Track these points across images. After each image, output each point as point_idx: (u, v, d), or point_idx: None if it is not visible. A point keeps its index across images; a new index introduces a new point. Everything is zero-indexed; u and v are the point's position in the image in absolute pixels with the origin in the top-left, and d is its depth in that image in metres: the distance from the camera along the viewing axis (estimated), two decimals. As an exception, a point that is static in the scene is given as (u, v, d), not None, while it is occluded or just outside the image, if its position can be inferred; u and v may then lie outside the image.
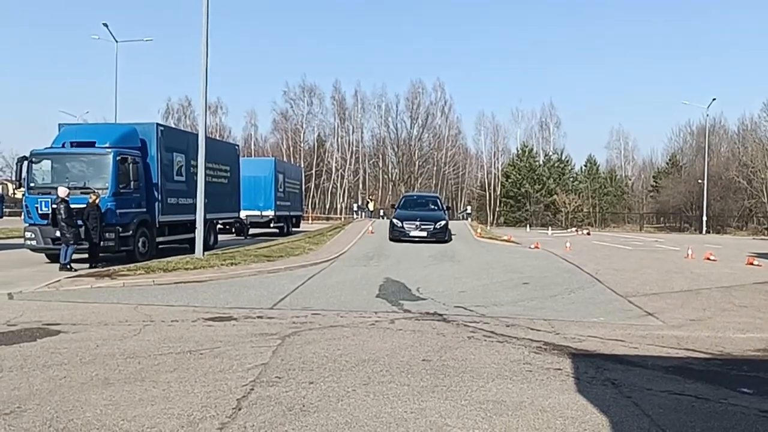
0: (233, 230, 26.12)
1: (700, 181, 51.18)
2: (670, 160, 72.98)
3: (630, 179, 78.38)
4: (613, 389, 5.20)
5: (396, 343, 6.81)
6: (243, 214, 24.15)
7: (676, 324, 8.45)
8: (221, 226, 22.65)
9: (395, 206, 23.85)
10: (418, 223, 21.17)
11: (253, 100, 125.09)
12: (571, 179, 70.06)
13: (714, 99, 51.55)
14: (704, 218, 48.44)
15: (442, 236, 21.30)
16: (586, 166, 73.68)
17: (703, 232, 46.97)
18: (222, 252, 16.63)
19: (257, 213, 27.03)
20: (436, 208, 23.84)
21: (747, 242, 33.69)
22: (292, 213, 31.15)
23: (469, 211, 44.26)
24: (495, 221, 66.48)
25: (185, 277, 11.97)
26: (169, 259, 14.56)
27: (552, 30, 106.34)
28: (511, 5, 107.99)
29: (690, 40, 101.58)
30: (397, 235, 20.93)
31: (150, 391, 4.90)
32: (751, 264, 17.22)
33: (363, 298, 10.24)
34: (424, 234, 20.80)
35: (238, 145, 23.95)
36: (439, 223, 21.36)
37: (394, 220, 21.67)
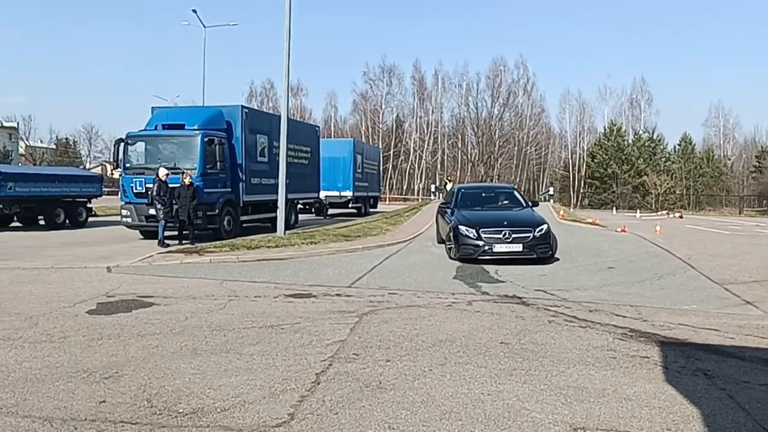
0: (313, 210, 26.71)
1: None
2: (775, 138, 67.57)
3: (729, 159, 73.21)
4: (706, 380, 4.90)
5: (473, 324, 6.74)
6: (322, 194, 24.62)
7: (777, 313, 7.84)
8: (301, 206, 23.20)
9: (448, 205, 14.92)
10: (506, 231, 12.25)
11: (333, 81, 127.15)
12: (663, 159, 66.29)
13: (826, 70, 47.18)
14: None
15: (545, 250, 12.57)
16: (680, 145, 69.39)
17: (810, 215, 43.46)
18: (302, 231, 17.06)
19: (336, 193, 27.49)
20: (517, 204, 15.05)
21: None
22: (369, 194, 31.44)
23: (551, 192, 43.13)
24: (579, 203, 64.27)
25: (267, 254, 12.40)
26: (252, 237, 15.10)
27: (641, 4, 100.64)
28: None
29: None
30: (470, 253, 12.15)
31: (234, 363, 5.12)
32: None
33: (440, 279, 10.19)
34: (518, 248, 12.14)
35: (318, 127, 24.39)
36: (539, 229, 12.63)
37: (461, 228, 12.49)
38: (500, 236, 12.08)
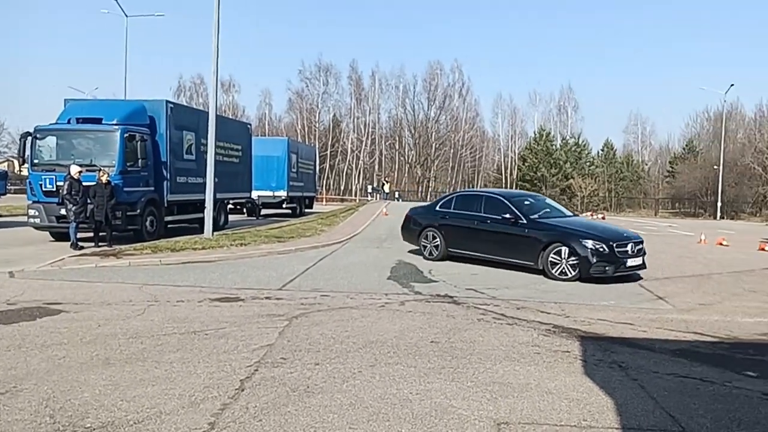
0: (245, 210, 26.18)
1: (715, 167, 50.46)
2: (686, 145, 72.12)
3: (647, 164, 77.57)
4: (620, 372, 5.18)
5: (405, 324, 6.79)
6: (255, 194, 24.15)
7: (685, 308, 8.41)
8: (232, 207, 22.68)
9: (519, 211, 11.76)
10: (631, 244, 10.95)
11: (267, 78, 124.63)
12: (588, 163, 69.39)
13: (732, 85, 50.51)
14: (719, 204, 47.84)
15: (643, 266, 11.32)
16: (603, 150, 72.83)
17: (718, 217, 46.44)
18: (232, 232, 16.67)
19: (269, 193, 27.03)
20: (564, 212, 13.21)
21: (760, 228, 33.27)
22: (305, 194, 31.13)
23: (483, 193, 43.93)
24: (510, 204, 65.82)
25: (193, 257, 12.02)
26: (177, 238, 14.61)
27: (570, 12, 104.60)
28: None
29: (709, 25, 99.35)
30: (602, 271, 10.51)
31: (152, 372, 4.92)
32: (763, 250, 17.13)
33: (374, 280, 10.21)
34: (640, 261, 11.11)
35: (250, 124, 23.94)
36: (640, 245, 11.26)
37: (593, 243, 10.59)
38: (628, 250, 10.84)
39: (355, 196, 66.63)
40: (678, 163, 67.15)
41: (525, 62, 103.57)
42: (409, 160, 75.32)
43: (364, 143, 74.64)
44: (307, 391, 4.49)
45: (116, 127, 14.36)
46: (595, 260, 10.47)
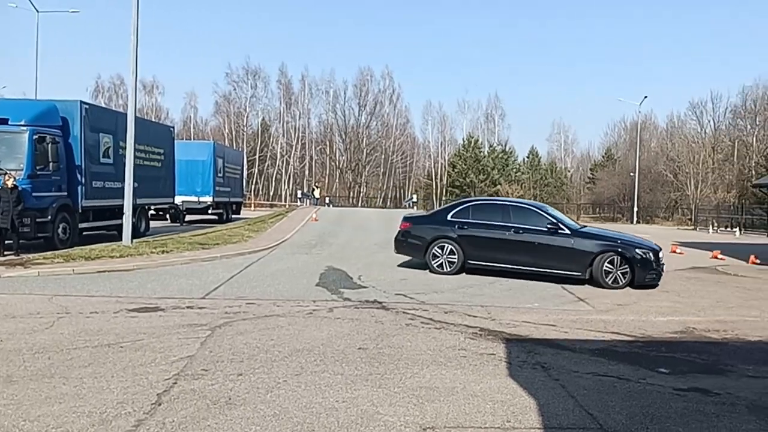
0: (168, 217, 25.29)
1: (632, 174, 53.28)
2: (605, 153, 75.90)
3: (569, 171, 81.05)
4: (543, 372, 5.30)
5: (333, 331, 6.70)
6: (178, 199, 23.31)
7: (604, 309, 8.76)
8: (154, 213, 21.87)
9: (559, 221, 11.75)
10: (660, 253, 11.39)
11: (193, 81, 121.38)
12: (514, 170, 71.83)
13: (646, 97, 53.70)
14: (635, 209, 50.66)
15: None
16: (528, 157, 75.67)
17: (634, 222, 49.03)
18: (153, 239, 16.01)
19: (194, 199, 26.23)
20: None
21: (672, 232, 35.35)
22: (232, 199, 30.42)
23: (414, 199, 44.52)
24: (440, 209, 66.97)
25: (110, 265, 11.43)
26: (93, 246, 13.83)
27: (496, 22, 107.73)
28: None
29: (626, 39, 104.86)
30: (654, 278, 11.08)
31: (59, 389, 4.59)
32: (675, 252, 18.27)
33: (302, 286, 10.04)
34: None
35: (173, 127, 23.14)
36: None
37: (645, 252, 11.05)
38: (661, 258, 11.25)
39: (285, 201, 65.87)
40: (598, 170, 70.67)
41: (454, 70, 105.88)
42: (340, 166, 75.23)
43: (294, 148, 73.97)
44: (229, 403, 4.32)
45: (24, 128, 13.47)
46: (648, 268, 10.87)
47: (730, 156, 61.05)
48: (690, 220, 48.76)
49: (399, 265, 13.04)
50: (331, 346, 6.02)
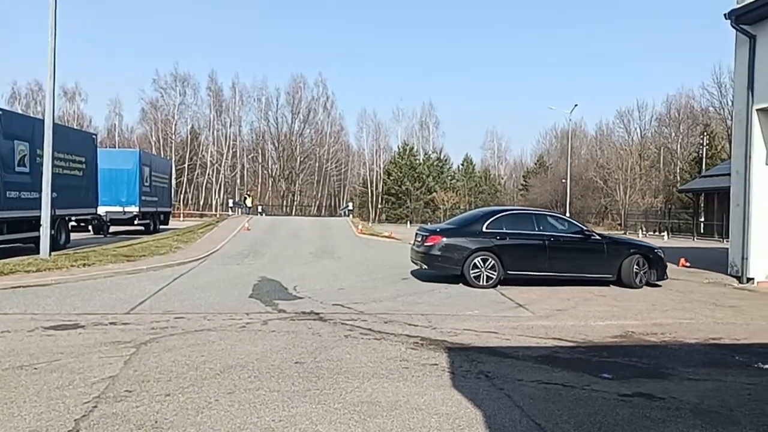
0: (90, 228, 24.04)
1: (563, 180, 55.14)
2: (537, 160, 78.34)
3: (503, 178, 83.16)
4: (487, 382, 5.17)
5: (267, 345, 6.37)
6: (102, 210, 22.14)
7: (544, 314, 8.76)
8: (75, 224, 20.70)
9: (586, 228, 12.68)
10: None
11: (117, 87, 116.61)
12: (449, 177, 72.99)
13: (576, 105, 55.77)
14: (567, 215, 52.23)
15: None
16: (463, 165, 77.11)
17: (567, 227, 50.72)
18: (74, 252, 15.05)
19: (119, 209, 25.05)
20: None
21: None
22: (159, 209, 29.27)
23: (350, 207, 44.27)
24: (377, 218, 67.35)
25: (25, 280, 10.58)
26: (7, 261, 12.83)
27: (430, 31, 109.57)
28: (388, 5, 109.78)
29: (557, 49, 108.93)
30: (665, 275, 12.50)
31: (-41, 420, 4.10)
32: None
33: (234, 298, 9.62)
34: None
35: (95, 134, 21.98)
36: None
37: (660, 253, 12.43)
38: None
39: (216, 211, 64.27)
40: (531, 177, 72.84)
41: (388, 78, 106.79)
42: (273, 174, 74.20)
43: (224, 156, 72.42)
44: (156, 427, 3.97)
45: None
46: (663, 267, 12.31)
47: (656, 162, 64.49)
48: (620, 224, 50.93)
49: (336, 275, 12.79)
50: (266, 361, 5.70)
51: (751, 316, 9.16)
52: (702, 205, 42.34)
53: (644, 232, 40.70)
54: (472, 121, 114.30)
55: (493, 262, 11.41)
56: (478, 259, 11.40)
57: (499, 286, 11.37)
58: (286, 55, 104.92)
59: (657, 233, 41.32)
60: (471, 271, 11.37)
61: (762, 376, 5.70)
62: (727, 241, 17.58)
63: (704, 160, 54.41)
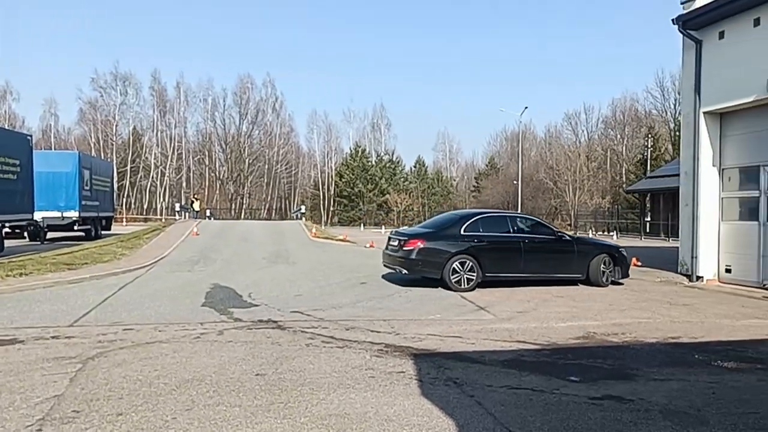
0: (26, 235, 22.86)
1: (515, 182, 56.13)
2: (489, 162, 79.52)
3: (455, 180, 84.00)
4: (456, 389, 5.04)
5: (225, 357, 6.07)
6: (38, 215, 21.08)
7: (506, 317, 8.72)
8: (10, 230, 19.64)
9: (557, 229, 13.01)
10: None
11: (53, 87, 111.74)
12: (402, 179, 73.24)
13: (526, 107, 56.94)
14: (522, 217, 53.41)
15: None
16: (415, 166, 77.55)
17: (518, 228, 51.58)
18: (8, 260, 14.15)
19: (57, 214, 23.88)
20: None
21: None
22: (101, 214, 28.12)
23: (302, 210, 43.71)
24: (329, 221, 66.91)
25: (-45, 293, 9.92)
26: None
27: (380, 32, 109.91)
28: (336, 4, 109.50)
29: (507, 52, 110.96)
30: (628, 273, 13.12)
31: None
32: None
33: (186, 307, 9.21)
34: None
35: (30, 136, 20.83)
36: None
37: (624, 252, 13.03)
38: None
39: (161, 215, 62.52)
40: (482, 179, 73.83)
41: (339, 80, 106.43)
42: (221, 177, 72.71)
43: (169, 158, 70.49)
44: (107, 451, 3.67)
45: None
46: (626, 265, 12.88)
47: (603, 164, 66.46)
48: (570, 225, 52.13)
49: (292, 281, 12.50)
50: (224, 374, 5.41)
51: (705, 314, 9.36)
52: (648, 205, 43.73)
53: (594, 232, 41.77)
54: (423, 122, 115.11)
55: (472, 264, 11.37)
56: (458, 262, 11.33)
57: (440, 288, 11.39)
58: (232, 54, 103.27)
59: (606, 233, 42.47)
60: (451, 275, 11.29)
61: (722, 375, 5.79)
62: (674, 240, 18.03)
63: (649, 161, 56.29)
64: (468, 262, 11.36)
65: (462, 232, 11.73)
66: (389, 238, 12.70)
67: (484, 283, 11.55)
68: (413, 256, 11.49)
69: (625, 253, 12.82)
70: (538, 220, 13.64)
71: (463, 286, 11.25)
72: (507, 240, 11.89)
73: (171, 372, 5.49)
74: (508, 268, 11.74)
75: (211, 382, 5.18)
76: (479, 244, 11.57)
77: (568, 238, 12.61)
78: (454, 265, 11.31)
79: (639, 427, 4.27)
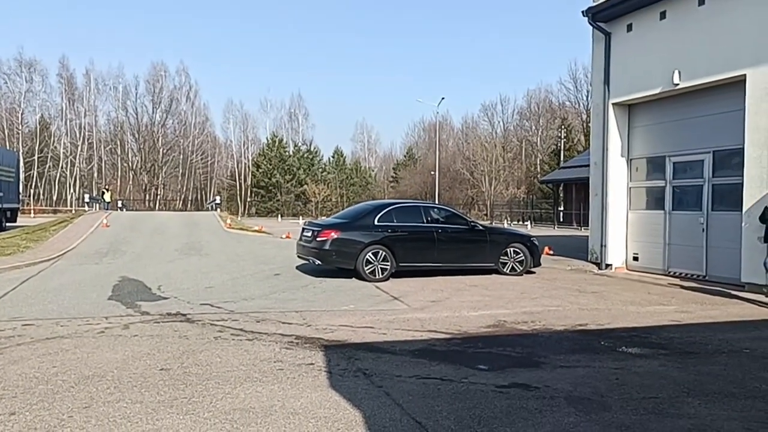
0: None
1: (432, 172, 56.96)
2: (407, 153, 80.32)
3: (373, 170, 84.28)
4: (365, 380, 5.08)
5: (129, 352, 5.89)
6: (-67, 207, 19.72)
7: (419, 306, 8.80)
8: None
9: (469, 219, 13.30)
10: None
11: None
12: (320, 170, 72.74)
13: (443, 98, 57.57)
14: (439, 206, 54.14)
15: None
16: (333, 157, 77.20)
17: (437, 218, 52.29)
18: None
19: None
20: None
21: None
22: (5, 205, 26.51)
23: (218, 201, 42.65)
24: (246, 212, 65.63)
25: None
26: None
27: (297, 20, 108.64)
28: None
29: (424, 42, 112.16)
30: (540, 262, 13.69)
31: None
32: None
33: (91, 301, 8.85)
34: None
35: None
36: None
37: (536, 242, 13.33)
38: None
39: (71, 206, 59.42)
40: (401, 169, 74.45)
41: (255, 69, 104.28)
42: (134, 167, 69.91)
43: (79, 148, 67.11)
44: (-4, 453, 3.50)
45: None
46: (538, 254, 13.16)
47: (519, 155, 68.39)
48: (486, 215, 53.46)
49: (205, 273, 12.23)
50: (127, 370, 5.26)
51: (612, 301, 9.59)
52: (561, 195, 45.40)
53: (509, 222, 43.08)
54: (341, 113, 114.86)
55: (385, 255, 11.43)
56: (371, 252, 11.36)
57: (354, 279, 11.47)
58: (144, 42, 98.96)
59: (521, 222, 43.80)
60: (365, 266, 11.31)
61: (626, 360, 5.91)
62: (585, 229, 18.79)
63: (562, 152, 57.89)
64: (381, 252, 11.42)
65: (376, 223, 11.76)
66: (303, 229, 12.60)
67: (399, 274, 11.67)
68: (327, 247, 11.42)
69: (536, 242, 13.14)
70: (452, 210, 13.84)
71: (376, 277, 11.30)
72: (420, 230, 12.02)
73: (70, 368, 5.29)
74: (421, 257, 11.88)
75: (112, 378, 5.02)
76: (393, 234, 11.65)
77: (480, 228, 12.85)
78: (367, 256, 11.34)
79: (544, 414, 4.33)
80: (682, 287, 11.18)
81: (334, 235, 11.48)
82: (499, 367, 5.60)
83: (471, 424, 4.13)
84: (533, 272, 13.04)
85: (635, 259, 13.60)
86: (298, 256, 12.56)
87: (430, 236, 12.01)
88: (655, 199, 13.21)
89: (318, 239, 11.58)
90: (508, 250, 12.65)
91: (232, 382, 4.94)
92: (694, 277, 12.07)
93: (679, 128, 12.59)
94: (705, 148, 11.93)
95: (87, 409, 4.27)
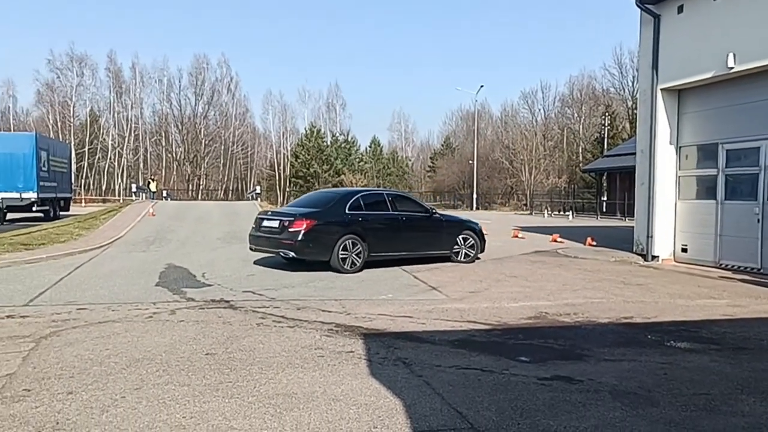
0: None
1: (470, 161, 56.36)
2: (444, 142, 79.66)
3: (410, 160, 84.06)
4: (405, 369, 5.11)
5: (176, 336, 6.10)
6: (-2, 196, 20.88)
7: (457, 297, 8.77)
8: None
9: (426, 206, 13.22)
10: None
11: (10, 68, 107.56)
12: (357, 160, 72.95)
13: (482, 86, 56.80)
14: (474, 195, 53.47)
15: None
16: (370, 147, 77.32)
17: (474, 208, 51.72)
18: (-35, 241, 13.90)
19: (16, 195, 23.56)
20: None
21: (510, 217, 37.63)
22: (59, 195, 27.72)
23: (258, 191, 43.33)
24: (285, 201, 66.40)
25: None
26: None
27: (333, 11, 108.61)
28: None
29: (463, 29, 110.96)
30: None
31: None
32: (517, 236, 19.04)
33: (140, 287, 9.17)
34: None
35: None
36: None
37: (483, 230, 13.56)
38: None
39: (119, 196, 61.28)
40: (438, 159, 73.91)
41: (293, 59, 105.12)
42: (177, 158, 71.52)
43: (126, 140, 69.05)
44: (57, 428, 3.69)
45: None
46: (484, 242, 13.18)
47: (560, 143, 66.78)
48: (525, 205, 52.55)
49: (245, 260, 12.47)
50: (174, 354, 5.45)
51: (658, 293, 9.29)
52: (605, 184, 44.19)
53: (549, 212, 42.34)
54: (378, 102, 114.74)
55: (359, 245, 11.05)
56: (348, 242, 10.93)
57: (397, 267, 11.52)
58: (187, 34, 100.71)
59: (562, 213, 42.85)
60: (340, 255, 10.81)
61: (675, 355, 5.73)
62: (630, 220, 18.24)
63: (606, 140, 56.17)
64: (356, 242, 11.01)
65: (347, 211, 11.27)
66: (261, 219, 11.74)
67: (373, 263, 11.49)
68: (301, 238, 10.62)
69: (482, 231, 13.22)
70: (412, 197, 13.79)
71: (349, 267, 10.86)
72: (388, 218, 11.79)
73: (122, 351, 5.50)
74: (391, 246, 11.70)
75: (161, 361, 5.21)
76: (364, 222, 11.27)
77: (438, 216, 12.80)
78: (344, 245, 10.89)
79: (588, 407, 4.22)
80: (735, 280, 10.78)
81: (307, 223, 10.70)
82: (541, 359, 5.50)
83: (513, 416, 4.08)
84: (479, 258, 13.17)
85: (684, 250, 13.13)
86: (255, 249, 11.76)
87: (398, 225, 11.84)
88: (705, 189, 12.71)
89: (290, 230, 10.72)
90: (459, 237, 12.70)
91: (274, 368, 5.06)
92: (748, 270, 11.59)
93: (733, 114, 12.06)
94: (761, 134, 11.40)
95: (138, 390, 4.45)
